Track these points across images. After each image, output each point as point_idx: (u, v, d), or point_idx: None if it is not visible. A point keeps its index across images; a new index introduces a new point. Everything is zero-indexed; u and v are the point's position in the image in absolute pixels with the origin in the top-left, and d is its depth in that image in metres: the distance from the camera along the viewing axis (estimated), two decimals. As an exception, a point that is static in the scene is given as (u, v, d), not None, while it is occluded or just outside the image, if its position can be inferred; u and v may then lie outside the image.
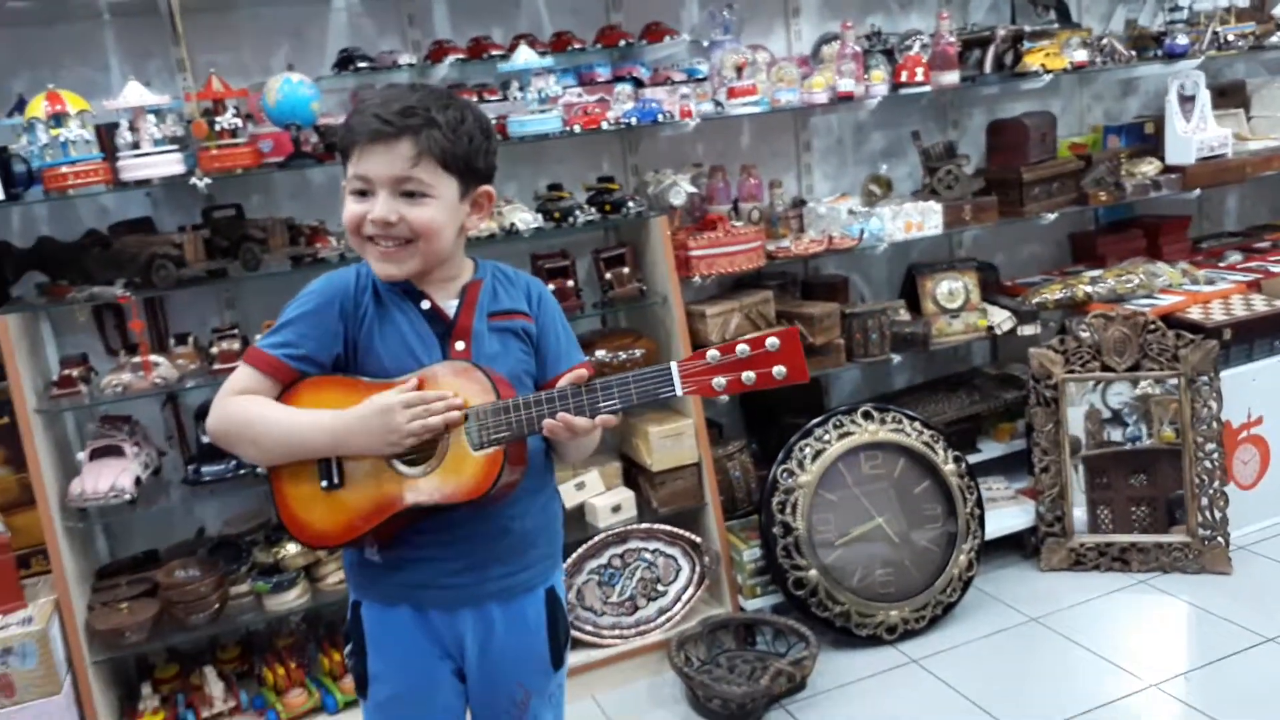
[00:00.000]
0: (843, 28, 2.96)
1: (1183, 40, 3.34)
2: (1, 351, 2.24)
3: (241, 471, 2.41)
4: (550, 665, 1.56)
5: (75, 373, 2.37)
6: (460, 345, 1.45)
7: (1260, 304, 3.13)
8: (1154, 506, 2.97)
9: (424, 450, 1.42)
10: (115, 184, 2.33)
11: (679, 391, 1.40)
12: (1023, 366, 3.41)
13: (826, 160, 3.39)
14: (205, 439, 2.47)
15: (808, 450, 2.75)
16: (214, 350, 2.43)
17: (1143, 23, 3.58)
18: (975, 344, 3.59)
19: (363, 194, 1.40)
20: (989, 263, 3.48)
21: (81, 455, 2.38)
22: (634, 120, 2.70)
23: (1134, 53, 3.38)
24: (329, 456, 1.41)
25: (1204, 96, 3.42)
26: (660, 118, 2.72)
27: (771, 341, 1.38)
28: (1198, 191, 3.40)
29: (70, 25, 2.55)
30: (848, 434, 2.78)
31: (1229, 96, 3.79)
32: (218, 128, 2.33)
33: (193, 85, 2.55)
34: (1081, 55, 3.17)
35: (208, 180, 2.34)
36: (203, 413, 2.55)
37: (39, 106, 2.20)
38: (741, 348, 1.39)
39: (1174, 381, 2.93)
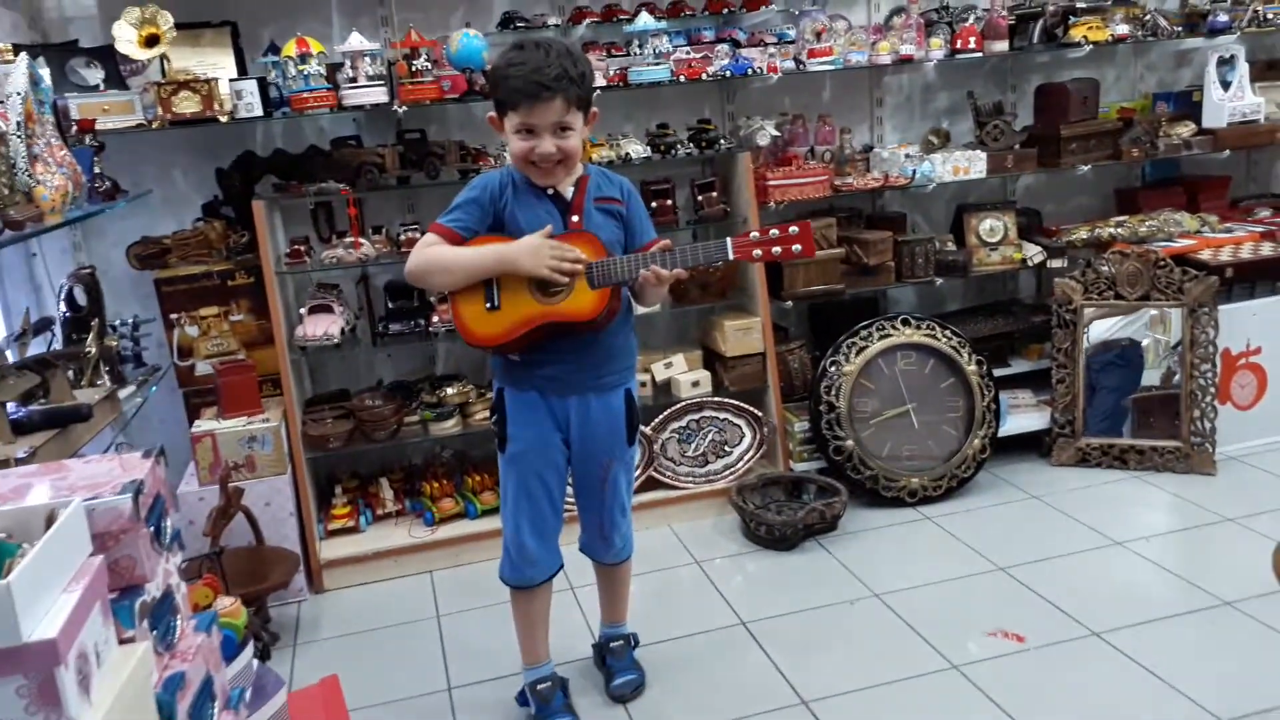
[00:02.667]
0: (909, 1, 3.55)
1: (1223, 17, 3.80)
2: (255, 227, 3.10)
3: (416, 329, 3.23)
4: (625, 440, 2.28)
5: (302, 248, 3.21)
6: (575, 218, 2.15)
7: (1267, 250, 3.60)
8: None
9: (557, 288, 2.13)
10: (338, 108, 3.13)
11: (730, 255, 2.11)
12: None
13: (897, 115, 3.99)
14: (391, 306, 3.30)
15: (853, 346, 3.40)
16: (401, 238, 3.23)
17: (1194, 1, 4.02)
18: (1023, 280, 4.17)
19: (528, 133, 2.06)
20: (1034, 209, 4.02)
21: (303, 310, 3.23)
22: (728, 73, 3.38)
23: (1180, 28, 3.85)
24: (495, 277, 2.14)
25: (1242, 68, 3.86)
26: (750, 71, 3.39)
27: (793, 229, 2.10)
28: (1227, 152, 3.86)
29: (305, -11, 3.37)
30: (887, 335, 3.42)
31: (1277, 69, 4.20)
32: (413, 69, 3.12)
33: (392, 37, 3.34)
34: (1123, 29, 3.67)
35: (404, 108, 3.14)
36: (389, 288, 3.38)
37: (291, 48, 3.03)
38: (774, 232, 2.11)
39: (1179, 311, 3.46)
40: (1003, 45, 3.60)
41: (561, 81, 2.01)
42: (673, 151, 3.39)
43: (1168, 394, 3.50)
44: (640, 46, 3.29)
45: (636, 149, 3.36)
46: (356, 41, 3.10)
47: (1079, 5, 3.75)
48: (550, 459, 2.26)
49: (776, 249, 2.12)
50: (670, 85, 3.38)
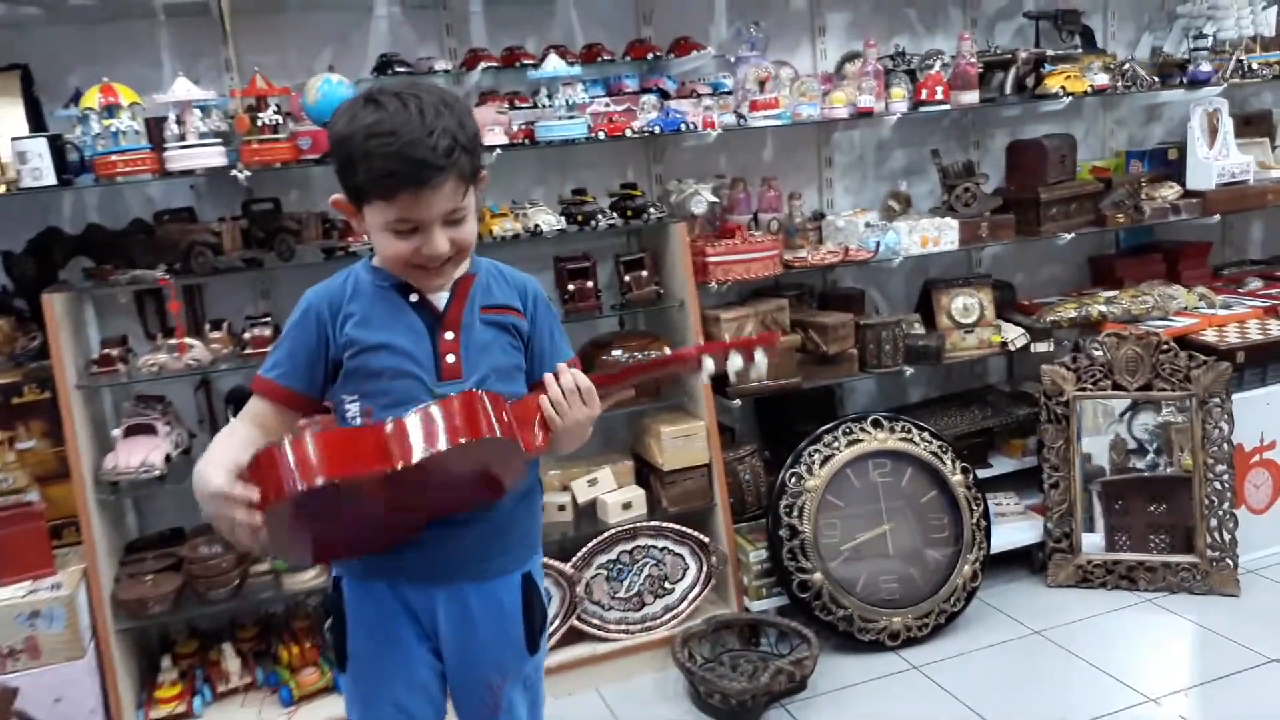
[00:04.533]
0: (866, 46, 3.04)
1: (1206, 67, 3.38)
2: (46, 329, 2.36)
3: (267, 453, 2.51)
4: (525, 649, 1.58)
5: (115, 352, 2.48)
6: (449, 335, 1.48)
7: (1277, 329, 3.14)
8: (1172, 534, 2.98)
9: None
10: (161, 173, 2.44)
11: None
12: (1036, 384, 3.45)
13: (848, 175, 3.46)
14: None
15: (817, 455, 2.80)
16: (246, 336, 2.53)
17: (1168, 50, 3.61)
18: (992, 362, 3.65)
19: (408, 231, 1.39)
20: (1006, 281, 3.52)
21: (116, 432, 2.49)
22: (658, 129, 2.79)
23: (1157, 79, 3.42)
24: None
25: (1227, 123, 3.45)
26: (683, 127, 2.81)
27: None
28: (1217, 217, 3.42)
29: (126, 23, 2.68)
30: (857, 441, 2.83)
31: (1255, 125, 3.81)
32: (259, 123, 2.45)
33: (239, 84, 2.67)
34: (1102, 79, 3.22)
35: (248, 173, 2.46)
36: (233, 397, 2.66)
37: (93, 98, 2.33)
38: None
39: (1185, 403, 2.96)
40: (972, 96, 3.10)
41: (454, 155, 1.36)
42: (593, 222, 2.77)
43: (1140, 478, 2.99)
44: (550, 96, 2.68)
45: (548, 219, 2.73)
46: (184, 89, 2.42)
47: (1050, 53, 3.29)
48: (413, 679, 1.55)
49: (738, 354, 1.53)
50: (587, 143, 2.78)
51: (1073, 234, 3.24)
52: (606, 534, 2.76)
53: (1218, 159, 3.43)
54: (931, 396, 3.55)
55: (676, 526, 2.81)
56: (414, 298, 1.50)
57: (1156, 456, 3.01)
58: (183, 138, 2.43)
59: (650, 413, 2.91)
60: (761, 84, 2.89)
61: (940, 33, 3.49)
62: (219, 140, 2.47)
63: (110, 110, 2.34)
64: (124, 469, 2.40)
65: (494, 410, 1.36)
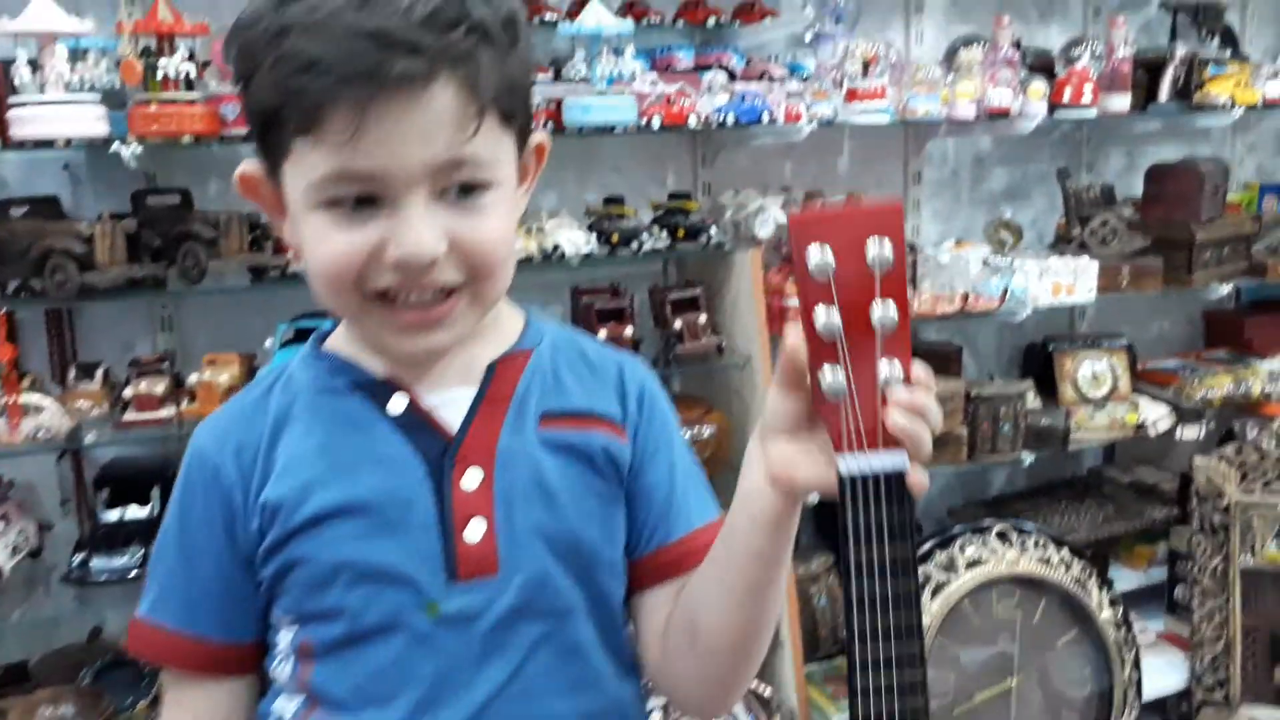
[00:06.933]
0: (996, 25, 2.30)
1: (1382, 86, 2.72)
2: None
3: (144, 570, 1.68)
4: None
5: (-81, 409, 1.64)
6: (471, 480, 0.75)
7: None
8: (1254, 639, 2.34)
9: None
10: (5, 142, 1.62)
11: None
12: (1153, 470, 2.78)
13: (938, 196, 2.73)
14: (104, 519, 1.74)
15: (926, 582, 2.06)
16: (127, 393, 1.70)
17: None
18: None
19: (362, 202, 0.69)
20: (1129, 345, 2.82)
21: (-82, 529, 1.65)
22: (730, 118, 2.02)
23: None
24: None
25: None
26: (765, 118, 2.04)
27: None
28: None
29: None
30: (978, 562, 2.08)
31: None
32: (160, 74, 1.63)
33: (130, 19, 1.84)
34: (1275, 90, 2.54)
35: (137, 148, 1.63)
36: (109, 476, 1.82)
37: (-112, 17, 1.50)
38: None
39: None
40: (1123, 102, 2.39)
41: (454, 32, 0.67)
42: (634, 244, 1.99)
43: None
44: (589, 64, 1.90)
45: (575, 238, 1.94)
46: (46, 15, 1.59)
47: (1207, 56, 2.60)
48: None
49: None
50: (620, 136, 2.01)
51: (1230, 285, 2.55)
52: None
53: (1386, 201, 2.78)
54: (1019, 487, 2.83)
55: (730, 670, 2.04)
56: (397, 406, 0.76)
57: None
58: (41, 89, 1.61)
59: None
60: (866, 66, 2.14)
61: (1056, 22, 2.78)
62: (98, 97, 1.65)
63: (-81, 39, 1.51)
64: (-79, 592, 1.57)
65: None
